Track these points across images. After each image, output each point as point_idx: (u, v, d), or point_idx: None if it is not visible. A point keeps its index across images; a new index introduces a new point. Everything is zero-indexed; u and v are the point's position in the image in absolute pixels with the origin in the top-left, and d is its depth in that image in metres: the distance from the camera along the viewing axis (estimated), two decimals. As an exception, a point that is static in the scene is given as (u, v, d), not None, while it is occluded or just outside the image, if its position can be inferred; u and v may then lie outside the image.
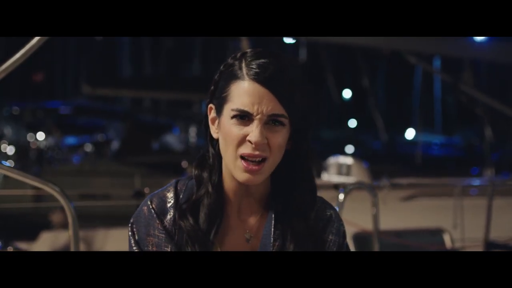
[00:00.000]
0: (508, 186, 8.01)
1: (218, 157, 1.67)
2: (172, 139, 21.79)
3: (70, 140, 20.30)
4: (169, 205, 1.66)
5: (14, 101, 24.63)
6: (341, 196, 4.02)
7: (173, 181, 1.72)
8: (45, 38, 2.51)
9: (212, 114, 1.67)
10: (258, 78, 1.58)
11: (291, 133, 1.63)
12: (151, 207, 1.66)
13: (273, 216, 1.67)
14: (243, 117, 1.59)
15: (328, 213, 1.72)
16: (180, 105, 24.61)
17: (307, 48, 22.37)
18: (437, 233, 6.74)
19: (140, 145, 14.14)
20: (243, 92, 1.59)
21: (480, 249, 6.10)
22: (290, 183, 1.67)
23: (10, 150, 18.70)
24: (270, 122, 1.59)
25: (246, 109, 1.58)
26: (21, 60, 2.55)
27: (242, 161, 1.58)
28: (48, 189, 2.55)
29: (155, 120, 19.55)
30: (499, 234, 6.35)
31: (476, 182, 8.30)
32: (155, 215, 1.65)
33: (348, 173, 8.59)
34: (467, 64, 11.95)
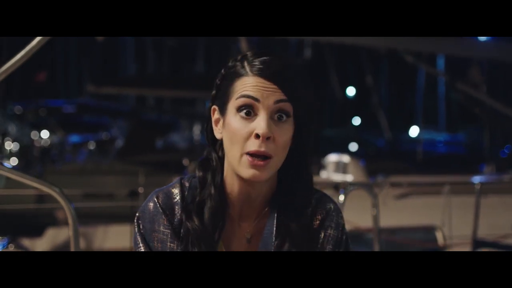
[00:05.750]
0: (501, 184, 8.00)
1: (221, 160, 1.69)
2: (176, 137, 21.78)
3: (74, 138, 20.24)
4: (175, 201, 1.67)
5: (17, 100, 24.56)
6: (341, 197, 4.04)
7: (178, 178, 1.73)
8: (47, 38, 2.51)
9: (215, 116, 1.68)
10: (262, 73, 1.60)
11: (295, 130, 1.63)
12: (157, 202, 1.67)
13: (275, 216, 1.67)
14: (249, 112, 1.59)
15: (328, 206, 1.72)
16: (184, 103, 24.61)
17: (311, 46, 22.32)
18: (430, 230, 6.76)
19: (144, 143, 14.12)
20: (248, 84, 1.60)
21: (468, 247, 6.08)
22: (292, 181, 1.68)
23: (15, 146, 18.66)
24: (275, 116, 1.59)
25: (251, 94, 1.59)
26: (22, 61, 2.54)
27: (248, 156, 1.58)
28: (48, 190, 2.56)
29: (159, 118, 19.52)
30: (490, 231, 6.35)
31: (468, 179, 8.29)
32: (161, 211, 1.66)
33: (345, 171, 8.62)
34: (475, 62, 11.84)
